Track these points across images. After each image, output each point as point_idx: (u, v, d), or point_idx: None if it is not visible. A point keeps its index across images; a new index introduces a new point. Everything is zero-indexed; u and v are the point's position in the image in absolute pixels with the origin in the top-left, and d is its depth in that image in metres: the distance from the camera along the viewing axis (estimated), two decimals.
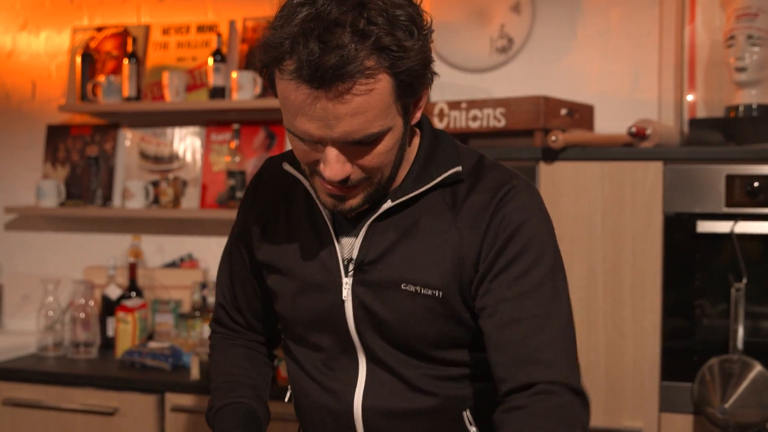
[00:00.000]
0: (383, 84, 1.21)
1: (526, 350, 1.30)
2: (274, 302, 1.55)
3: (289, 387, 1.58)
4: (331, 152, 1.25)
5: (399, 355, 1.41)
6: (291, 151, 1.45)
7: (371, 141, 1.25)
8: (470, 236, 1.36)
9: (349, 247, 1.41)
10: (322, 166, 1.27)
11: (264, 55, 1.23)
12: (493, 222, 1.35)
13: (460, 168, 1.39)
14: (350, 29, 1.16)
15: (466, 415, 1.45)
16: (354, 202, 1.33)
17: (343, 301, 1.40)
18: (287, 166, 1.46)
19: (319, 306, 1.43)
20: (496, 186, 1.37)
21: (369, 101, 1.20)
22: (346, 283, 1.40)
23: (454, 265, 1.36)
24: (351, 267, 1.40)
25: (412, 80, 1.24)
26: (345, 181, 1.28)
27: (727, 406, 2.24)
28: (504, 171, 1.41)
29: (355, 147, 1.26)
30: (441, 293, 1.36)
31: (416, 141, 1.42)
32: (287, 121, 1.26)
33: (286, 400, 1.60)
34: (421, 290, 1.36)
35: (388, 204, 1.38)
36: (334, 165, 1.26)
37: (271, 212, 1.50)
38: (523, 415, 1.27)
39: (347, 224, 1.42)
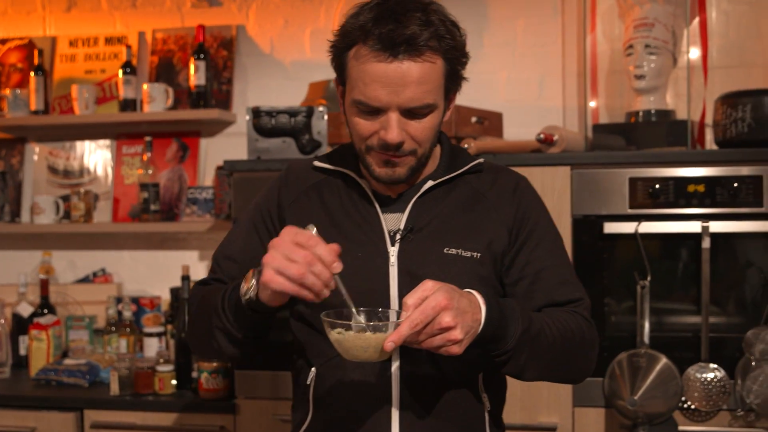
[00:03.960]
0: (440, 64, 1.52)
1: (561, 289, 1.64)
2: None
3: (312, 369, 1.63)
4: (393, 117, 1.52)
5: None
6: (311, 158, 1.77)
7: (423, 113, 1.53)
8: (502, 214, 1.65)
9: (393, 220, 1.63)
10: (382, 132, 1.53)
11: (346, 37, 1.53)
12: (520, 207, 1.66)
13: (482, 160, 1.71)
14: (419, 17, 1.49)
15: (480, 380, 1.62)
16: (402, 171, 1.58)
17: (389, 268, 1.59)
18: (318, 163, 1.72)
19: (364, 274, 1.59)
20: (514, 179, 1.71)
21: (430, 73, 1.50)
22: (393, 251, 1.60)
23: (489, 234, 1.62)
24: (397, 236, 1.61)
25: (457, 68, 1.56)
26: (399, 147, 1.54)
27: (636, 397, 2.35)
28: (510, 170, 1.76)
29: (409, 118, 1.53)
30: (479, 255, 1.60)
31: (437, 147, 1.70)
32: (359, 92, 1.52)
33: (308, 382, 1.64)
34: (461, 253, 1.59)
35: (430, 183, 1.65)
36: (395, 128, 1.52)
37: (305, 201, 1.70)
38: (560, 310, 1.60)
39: (389, 202, 1.65)
